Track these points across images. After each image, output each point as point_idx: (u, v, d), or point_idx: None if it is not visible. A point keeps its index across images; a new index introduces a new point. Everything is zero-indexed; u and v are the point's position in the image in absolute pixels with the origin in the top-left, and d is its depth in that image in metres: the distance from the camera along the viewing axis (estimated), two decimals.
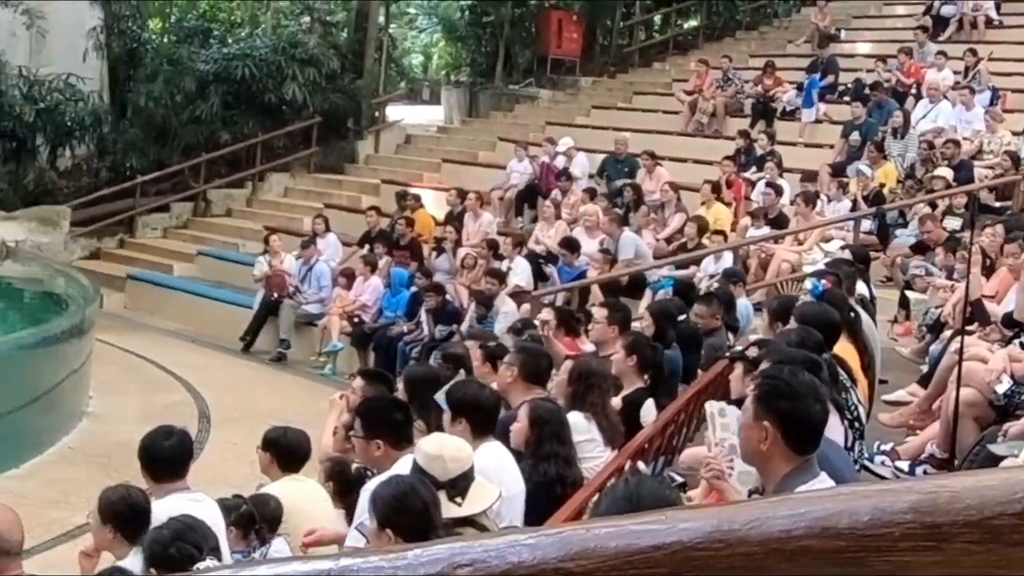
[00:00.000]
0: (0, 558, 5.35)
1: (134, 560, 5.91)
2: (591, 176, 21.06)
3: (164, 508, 6.26)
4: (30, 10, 24.17)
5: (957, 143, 18.60)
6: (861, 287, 11.38)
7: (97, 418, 14.39)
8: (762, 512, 1.71)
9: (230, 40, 29.63)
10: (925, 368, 11.40)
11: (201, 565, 5.39)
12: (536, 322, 12.07)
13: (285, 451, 7.68)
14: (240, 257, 22.92)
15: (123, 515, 6.04)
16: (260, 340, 19.28)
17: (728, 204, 18.62)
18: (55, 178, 25.63)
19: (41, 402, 13.25)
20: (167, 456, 6.76)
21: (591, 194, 19.58)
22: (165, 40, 29.18)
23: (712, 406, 6.56)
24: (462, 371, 9.12)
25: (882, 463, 9.06)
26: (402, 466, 6.15)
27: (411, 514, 5.23)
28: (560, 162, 21.27)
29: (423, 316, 17.09)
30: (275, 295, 19.37)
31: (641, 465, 7.80)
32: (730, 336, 12.26)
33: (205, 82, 26.93)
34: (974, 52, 22.29)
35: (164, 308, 21.81)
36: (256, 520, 7.10)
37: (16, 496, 10.51)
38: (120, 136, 26.40)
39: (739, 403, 6.14)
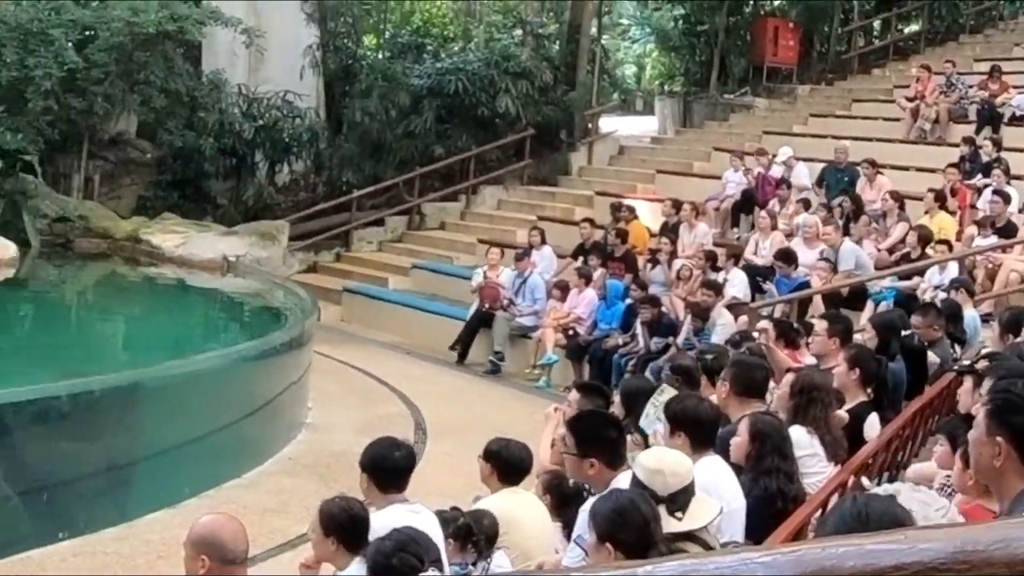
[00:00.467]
0: (226, 566, 5.48)
1: (356, 570, 5.95)
2: (811, 186, 20.65)
3: (385, 519, 6.28)
4: (249, 30, 24.74)
5: None
6: None
7: (316, 429, 14.57)
8: (1008, 533, 1.60)
9: (443, 55, 29.97)
10: None
11: None
12: (755, 333, 11.88)
13: (506, 463, 7.64)
14: (454, 270, 23.10)
15: (345, 526, 6.08)
16: (474, 352, 19.36)
17: (953, 213, 18.05)
18: (273, 193, 26.20)
19: (262, 413, 13.45)
20: (397, 467, 6.79)
21: (805, 204, 19.22)
22: (379, 56, 29.69)
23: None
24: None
25: None
26: (621, 481, 6.09)
27: (631, 528, 5.18)
28: (777, 172, 20.95)
29: (638, 328, 16.93)
30: (487, 306, 19.46)
31: (865, 481, 7.59)
32: (957, 349, 11.90)
33: (419, 97, 27.29)
34: None
35: (379, 321, 22.06)
36: (473, 532, 7.06)
37: (239, 505, 10.74)
38: (336, 151, 26.89)
39: (969, 417, 5.91)
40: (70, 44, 23.28)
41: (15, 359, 15.19)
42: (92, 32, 23.89)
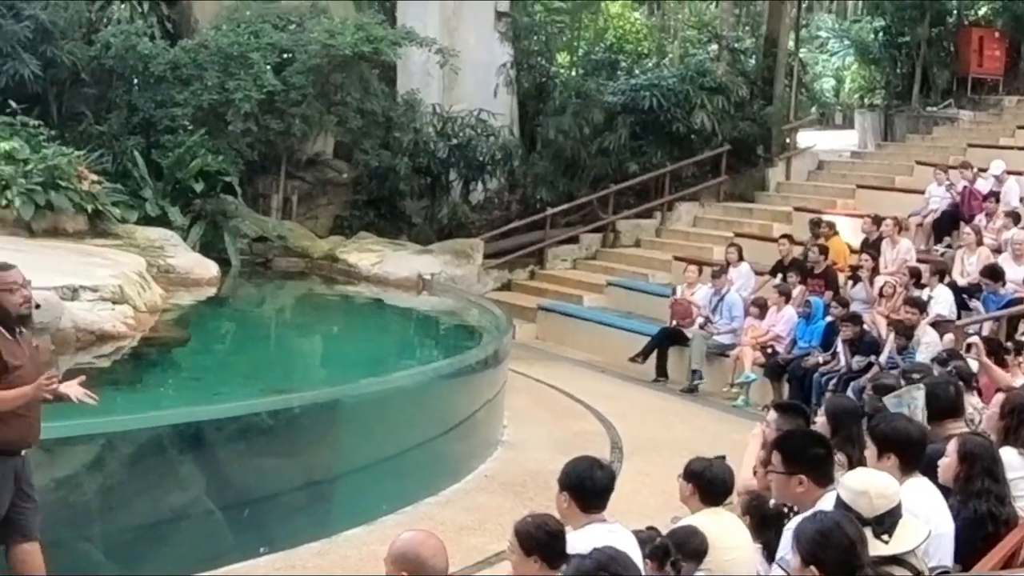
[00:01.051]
0: None
1: None
2: (1022, 200, 19.95)
3: (584, 538, 6.18)
4: (443, 49, 24.93)
5: None
6: None
7: (511, 447, 14.50)
8: None
9: (637, 71, 29.89)
10: None
11: None
12: (962, 351, 11.55)
13: (709, 484, 7.44)
14: (649, 287, 22.93)
15: (544, 543, 5.97)
16: (669, 370, 19.13)
17: None
18: (468, 212, 26.32)
19: (458, 431, 13.41)
20: (598, 487, 6.67)
21: (1015, 218, 18.60)
22: (573, 73, 29.72)
23: None
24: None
25: None
26: (825, 503, 5.98)
27: (836, 551, 5.09)
28: (984, 186, 20.32)
29: (839, 347, 16.53)
30: (675, 323, 19.34)
31: None
32: None
33: (613, 113, 27.27)
34: None
35: (574, 338, 21.98)
36: (671, 553, 6.87)
37: (436, 522, 10.72)
38: (530, 169, 26.95)
39: None
40: (268, 67, 23.70)
41: (217, 376, 15.42)
42: (290, 55, 24.28)
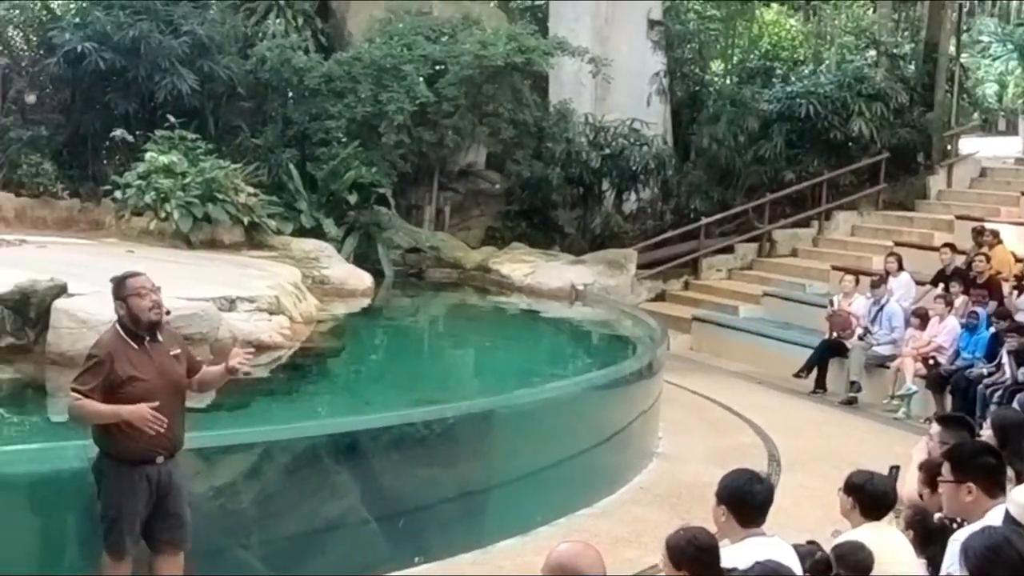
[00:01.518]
0: None
1: None
2: None
3: (744, 552, 6.09)
4: (596, 59, 24.93)
5: None
6: None
7: (666, 458, 14.37)
8: None
9: (793, 78, 29.48)
10: None
11: None
12: None
13: (870, 497, 7.27)
14: (807, 297, 22.66)
15: (693, 557, 5.85)
16: (828, 381, 18.85)
17: None
18: (620, 222, 26.27)
19: (613, 442, 13.31)
20: (757, 501, 6.55)
21: None
22: (727, 81, 29.43)
23: None
24: None
25: None
26: (993, 517, 5.81)
27: (1005, 567, 4.90)
28: None
29: (1005, 358, 16.10)
30: (835, 334, 19.08)
31: None
32: None
33: (768, 122, 27.02)
34: None
35: (729, 349, 21.83)
36: (832, 567, 6.71)
37: (591, 534, 10.65)
38: (683, 179, 26.81)
39: None
40: (421, 79, 23.85)
41: (372, 386, 15.51)
42: (442, 66, 24.42)
